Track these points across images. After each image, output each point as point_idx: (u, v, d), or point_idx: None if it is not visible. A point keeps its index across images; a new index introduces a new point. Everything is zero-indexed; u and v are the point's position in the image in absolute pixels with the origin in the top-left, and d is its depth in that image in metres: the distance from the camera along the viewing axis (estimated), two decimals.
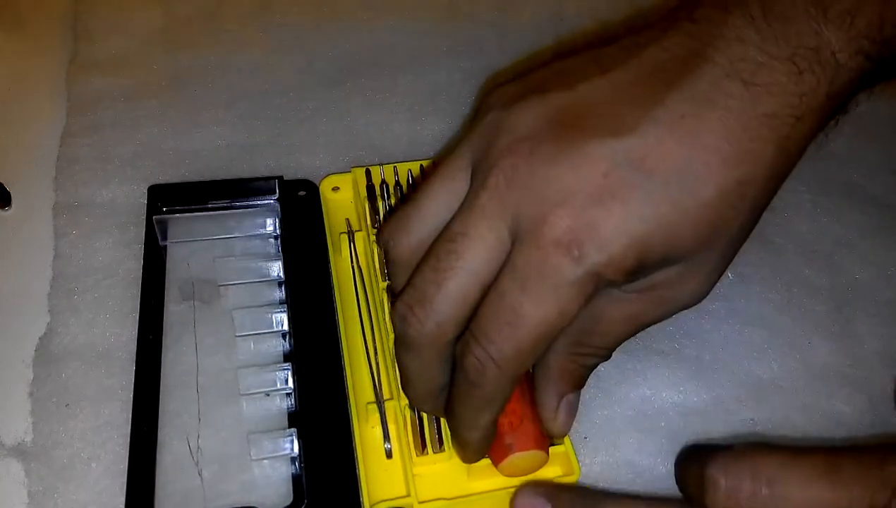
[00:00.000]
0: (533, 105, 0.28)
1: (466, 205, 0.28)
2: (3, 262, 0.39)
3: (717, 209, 0.26)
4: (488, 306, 0.27)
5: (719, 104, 0.26)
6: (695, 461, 0.25)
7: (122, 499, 0.30)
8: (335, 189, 0.41)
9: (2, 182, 0.42)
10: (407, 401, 0.32)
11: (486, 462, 0.31)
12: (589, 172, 0.26)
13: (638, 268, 0.27)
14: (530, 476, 0.31)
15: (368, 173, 0.40)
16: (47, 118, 0.45)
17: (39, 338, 0.36)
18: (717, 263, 0.29)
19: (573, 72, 0.29)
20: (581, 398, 0.35)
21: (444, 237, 0.28)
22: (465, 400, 0.29)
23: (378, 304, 0.35)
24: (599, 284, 0.26)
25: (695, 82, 0.26)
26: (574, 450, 0.32)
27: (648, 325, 0.31)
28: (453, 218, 0.28)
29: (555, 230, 0.26)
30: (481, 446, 0.30)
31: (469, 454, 0.31)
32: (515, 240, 0.27)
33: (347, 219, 0.39)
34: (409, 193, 0.38)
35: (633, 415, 0.35)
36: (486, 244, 0.27)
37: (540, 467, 0.31)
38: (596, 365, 0.31)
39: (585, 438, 0.34)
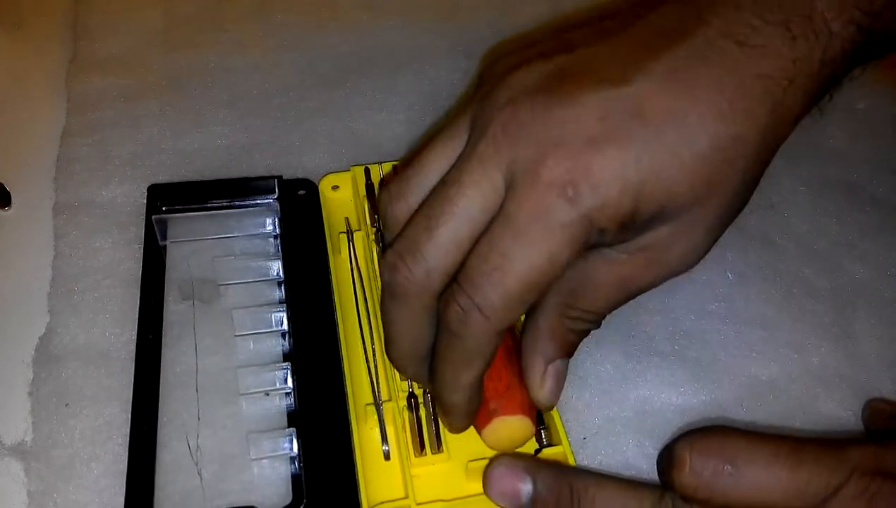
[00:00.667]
0: (534, 66, 0.28)
1: (464, 155, 0.28)
2: (3, 262, 0.39)
3: (711, 162, 0.26)
4: (477, 253, 0.27)
5: (713, 61, 0.26)
6: (669, 444, 0.26)
7: (122, 499, 0.30)
8: (335, 187, 0.41)
9: (2, 182, 0.42)
10: (405, 403, 0.32)
11: (483, 462, 0.31)
12: (585, 117, 0.26)
13: (631, 218, 0.27)
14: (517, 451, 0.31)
15: (367, 172, 0.40)
16: (47, 118, 0.45)
17: (39, 338, 0.36)
18: (709, 224, 0.28)
19: (574, 40, 0.29)
20: (580, 399, 0.35)
21: (439, 186, 0.28)
22: (448, 355, 0.28)
23: (377, 304, 0.35)
24: (591, 232, 0.26)
25: (690, 41, 0.27)
26: (572, 451, 0.32)
27: (639, 291, 0.30)
28: (450, 168, 0.28)
29: (550, 172, 0.26)
30: (466, 411, 0.30)
31: (454, 419, 0.30)
32: (510, 187, 0.27)
33: (347, 219, 0.39)
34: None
35: (633, 416, 0.35)
36: (481, 190, 0.27)
37: (526, 440, 0.30)
38: (586, 333, 0.31)
39: (584, 438, 0.34)
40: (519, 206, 0.26)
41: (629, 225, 0.27)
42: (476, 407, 0.30)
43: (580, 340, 0.31)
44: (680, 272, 0.30)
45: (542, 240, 0.26)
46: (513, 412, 0.30)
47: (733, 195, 0.28)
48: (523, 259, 0.26)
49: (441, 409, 0.31)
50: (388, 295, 0.29)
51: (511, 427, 0.30)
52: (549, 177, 0.26)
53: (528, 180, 0.26)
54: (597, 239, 0.27)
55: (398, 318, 0.29)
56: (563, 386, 0.31)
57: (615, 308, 0.30)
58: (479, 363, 0.28)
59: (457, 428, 0.31)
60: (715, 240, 0.29)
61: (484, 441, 0.31)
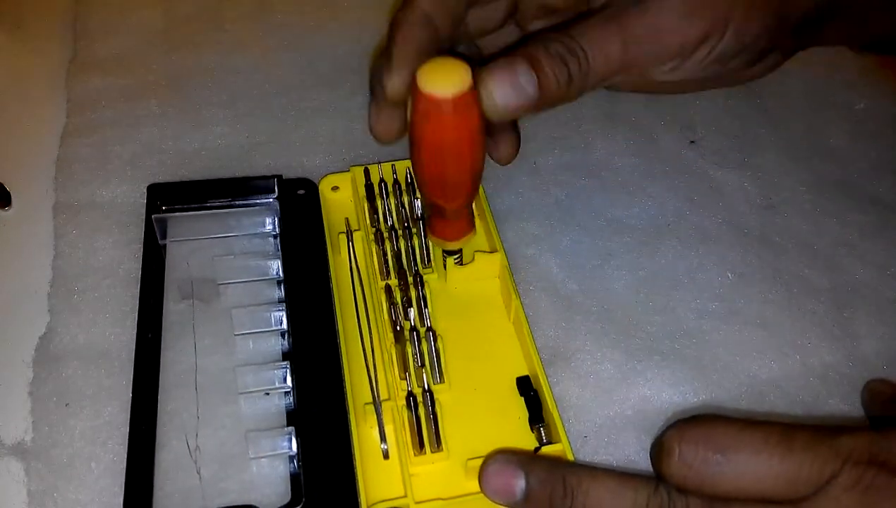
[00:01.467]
0: None
1: None
2: (3, 262, 0.39)
3: None
4: None
5: None
6: (660, 434, 0.26)
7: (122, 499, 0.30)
8: (335, 188, 0.41)
9: (2, 182, 0.42)
10: (404, 402, 0.32)
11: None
12: None
13: None
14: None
15: (367, 172, 0.40)
16: (47, 118, 0.46)
17: (39, 338, 0.36)
18: None
19: None
20: (581, 397, 0.35)
21: None
22: None
23: (376, 304, 0.35)
24: None
25: None
26: (573, 449, 0.32)
27: (626, 50, 0.30)
28: None
29: None
30: (402, 44, 0.29)
31: (391, 58, 0.29)
32: None
33: (347, 219, 0.39)
34: None
35: (633, 415, 0.35)
36: None
37: (461, 82, 0.27)
38: (560, 67, 0.29)
39: (585, 437, 0.34)
40: None
41: None
42: (412, 50, 0.29)
43: (553, 77, 0.29)
44: (666, 51, 0.30)
45: None
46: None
47: None
48: None
49: (385, 67, 0.30)
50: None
51: (445, 69, 0.27)
52: None
53: None
54: None
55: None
56: (518, 98, 0.29)
57: (600, 63, 0.29)
58: None
59: (391, 83, 0.29)
60: (704, 30, 0.30)
61: (418, 99, 0.28)
